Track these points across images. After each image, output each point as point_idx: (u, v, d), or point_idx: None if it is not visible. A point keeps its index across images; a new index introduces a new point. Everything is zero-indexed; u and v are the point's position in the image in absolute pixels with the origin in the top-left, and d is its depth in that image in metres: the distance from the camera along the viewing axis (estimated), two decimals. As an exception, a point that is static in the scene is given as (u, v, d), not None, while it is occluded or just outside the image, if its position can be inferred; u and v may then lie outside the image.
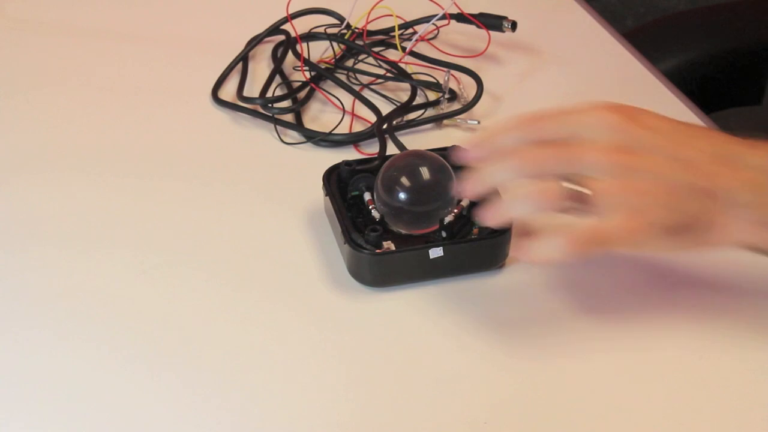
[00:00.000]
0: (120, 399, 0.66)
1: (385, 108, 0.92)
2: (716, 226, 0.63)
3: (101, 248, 0.78)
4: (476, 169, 0.67)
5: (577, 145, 0.64)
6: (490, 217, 0.66)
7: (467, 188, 0.67)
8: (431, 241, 0.74)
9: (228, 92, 0.95)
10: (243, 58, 0.98)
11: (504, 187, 0.69)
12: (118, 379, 0.68)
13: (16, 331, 0.71)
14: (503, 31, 0.99)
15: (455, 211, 0.75)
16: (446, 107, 0.92)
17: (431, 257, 0.73)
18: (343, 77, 0.96)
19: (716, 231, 0.63)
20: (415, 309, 0.73)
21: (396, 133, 0.88)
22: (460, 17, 1.00)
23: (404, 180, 0.74)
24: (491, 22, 0.99)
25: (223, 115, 0.92)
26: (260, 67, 0.98)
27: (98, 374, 0.68)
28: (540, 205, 0.63)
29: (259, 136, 0.90)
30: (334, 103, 0.92)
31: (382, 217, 0.75)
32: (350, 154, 0.87)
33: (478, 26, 0.99)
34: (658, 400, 0.67)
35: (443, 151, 0.77)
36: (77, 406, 0.66)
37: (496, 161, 0.66)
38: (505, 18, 0.98)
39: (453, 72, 0.95)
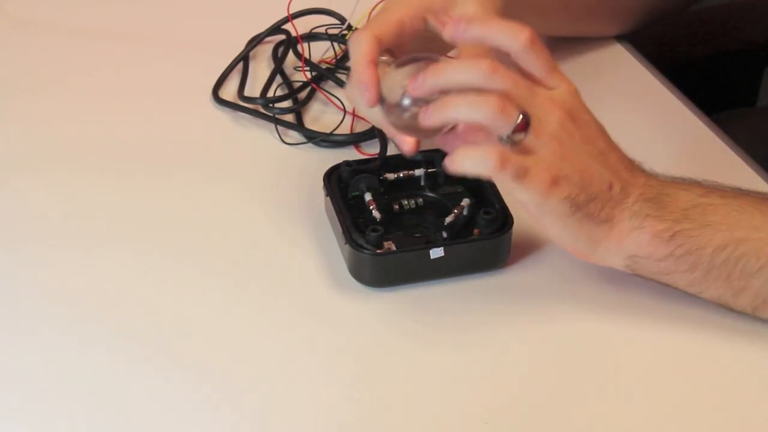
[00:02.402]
0: (120, 398, 0.66)
1: (386, 108, 0.91)
2: (613, 221, 0.69)
3: (102, 248, 0.78)
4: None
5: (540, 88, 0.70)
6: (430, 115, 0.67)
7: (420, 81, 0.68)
8: (432, 241, 0.74)
9: (229, 92, 0.95)
10: (244, 58, 0.98)
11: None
12: (118, 378, 0.68)
13: (16, 331, 0.71)
14: (504, 32, 0.98)
15: (455, 211, 0.75)
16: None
17: (432, 257, 0.73)
18: (344, 77, 0.96)
19: (612, 226, 0.69)
20: (415, 309, 0.73)
21: (396, 134, 0.87)
22: (461, 17, 1.00)
23: None
24: (492, 22, 0.98)
25: (223, 115, 0.92)
26: (261, 67, 0.98)
27: (98, 374, 0.68)
28: (488, 117, 0.66)
29: (260, 136, 0.90)
30: (335, 104, 0.92)
31: (382, 217, 0.75)
32: (351, 154, 0.86)
33: (478, 26, 0.98)
34: (661, 402, 0.67)
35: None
36: (78, 406, 0.66)
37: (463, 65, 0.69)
38: (505, 18, 0.98)
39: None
